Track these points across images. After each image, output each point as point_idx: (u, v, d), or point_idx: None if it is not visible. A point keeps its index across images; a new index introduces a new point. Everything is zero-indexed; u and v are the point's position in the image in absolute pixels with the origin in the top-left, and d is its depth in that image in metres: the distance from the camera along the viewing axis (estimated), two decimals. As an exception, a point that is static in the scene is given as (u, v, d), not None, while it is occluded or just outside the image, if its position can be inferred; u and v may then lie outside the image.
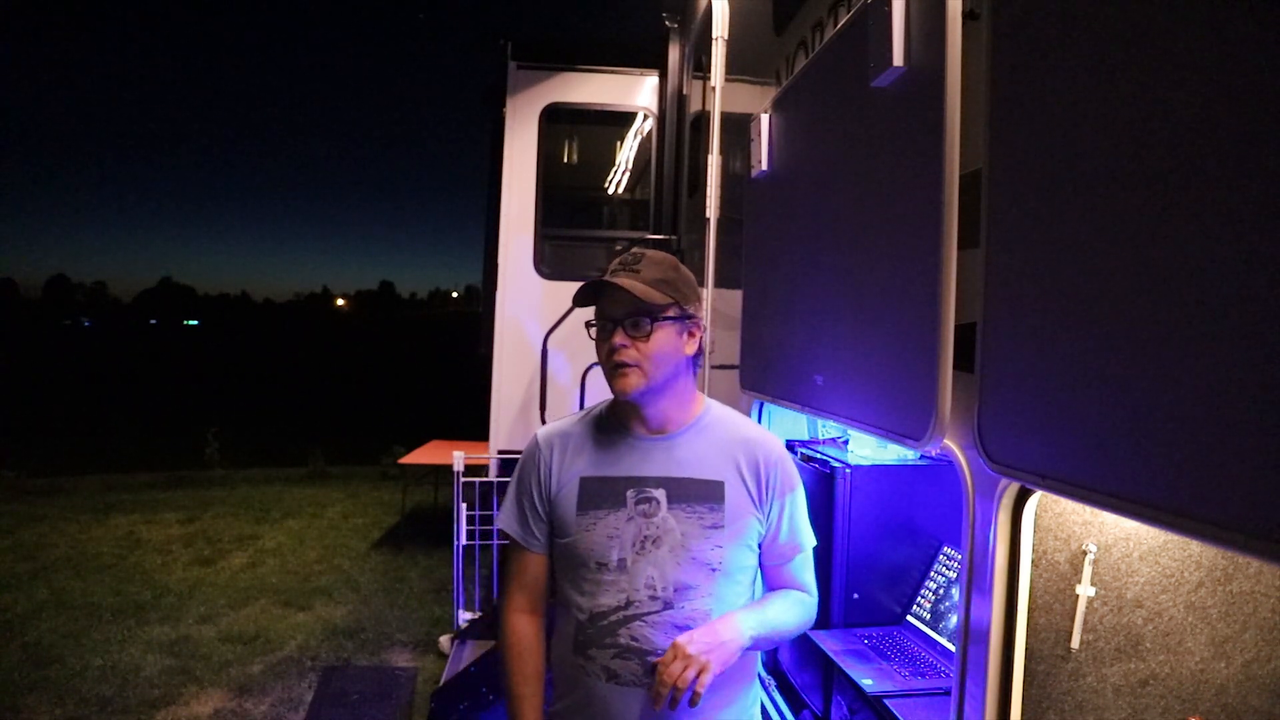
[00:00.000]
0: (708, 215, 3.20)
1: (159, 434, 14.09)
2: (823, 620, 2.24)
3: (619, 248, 5.15)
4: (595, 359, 1.55)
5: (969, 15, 1.48)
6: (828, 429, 2.80)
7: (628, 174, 5.81)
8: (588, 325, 1.53)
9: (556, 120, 5.01)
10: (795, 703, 2.50)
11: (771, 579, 1.61)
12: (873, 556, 2.32)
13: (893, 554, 2.33)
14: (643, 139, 5.11)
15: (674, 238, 4.40)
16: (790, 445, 2.75)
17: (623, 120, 5.18)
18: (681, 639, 1.37)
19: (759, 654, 1.76)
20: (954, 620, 2.08)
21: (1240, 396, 0.85)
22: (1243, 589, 1.49)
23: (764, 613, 1.49)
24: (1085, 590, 1.44)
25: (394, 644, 4.77)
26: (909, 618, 2.31)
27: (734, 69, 3.33)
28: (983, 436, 1.32)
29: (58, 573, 5.83)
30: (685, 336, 1.52)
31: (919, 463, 2.36)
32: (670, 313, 1.48)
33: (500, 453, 4.64)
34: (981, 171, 1.35)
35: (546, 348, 4.19)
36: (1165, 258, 0.96)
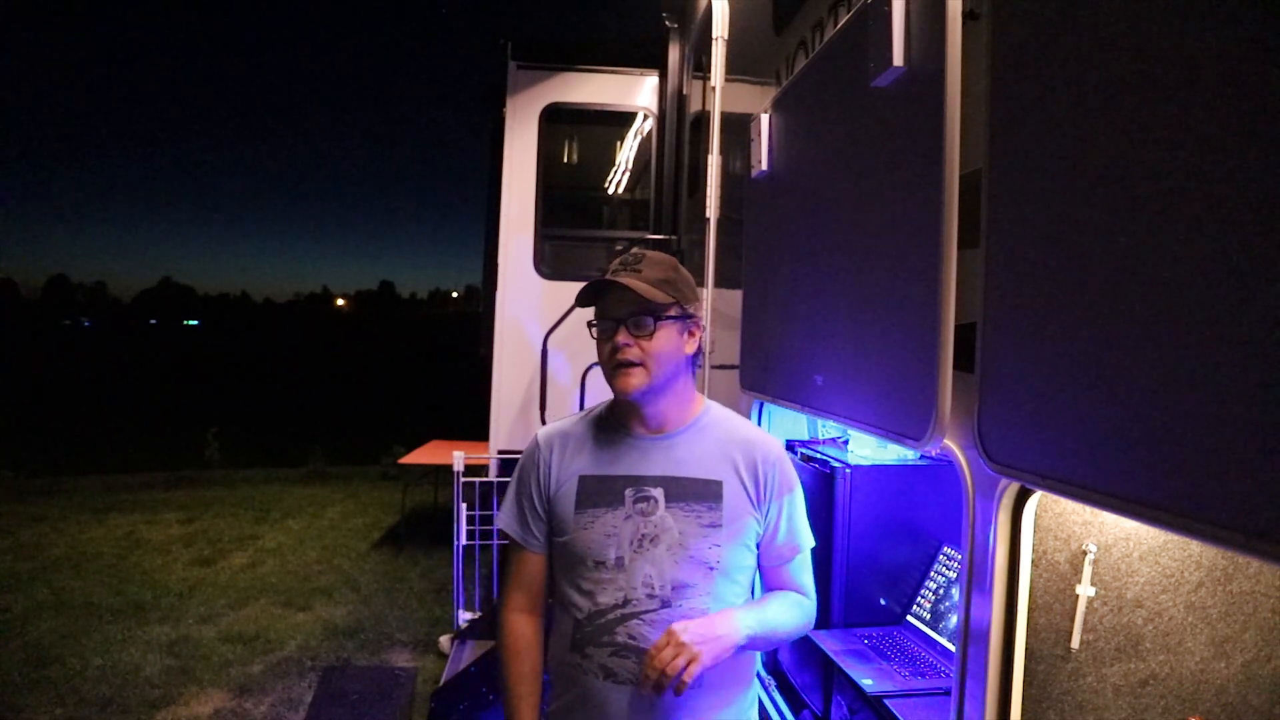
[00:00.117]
0: (708, 215, 3.20)
1: (159, 434, 14.10)
2: (823, 620, 2.24)
3: (619, 248, 5.15)
4: (595, 359, 1.55)
5: (969, 15, 1.48)
6: (828, 429, 2.80)
7: (628, 174, 5.81)
8: (590, 325, 1.53)
9: (556, 120, 5.01)
10: (795, 703, 2.50)
11: (770, 580, 1.61)
12: (873, 556, 2.32)
13: (893, 554, 2.33)
14: (643, 139, 5.11)
15: (674, 238, 4.40)
16: (790, 445, 2.75)
17: (623, 120, 5.18)
18: (676, 626, 1.37)
19: (757, 655, 1.76)
20: (954, 620, 2.08)
21: (1240, 396, 0.85)
22: (1243, 589, 1.49)
23: (763, 612, 1.49)
24: (1085, 590, 1.44)
25: (394, 644, 4.77)
26: (909, 618, 2.31)
27: (734, 69, 3.33)
28: (983, 436, 1.32)
29: (58, 573, 5.83)
30: (686, 336, 1.53)
31: (919, 463, 2.36)
32: (672, 312, 1.49)
33: (500, 453, 4.64)
34: (981, 171, 1.35)
35: (546, 348, 4.19)
36: (1165, 258, 0.96)
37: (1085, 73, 1.11)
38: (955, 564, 2.21)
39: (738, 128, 2.96)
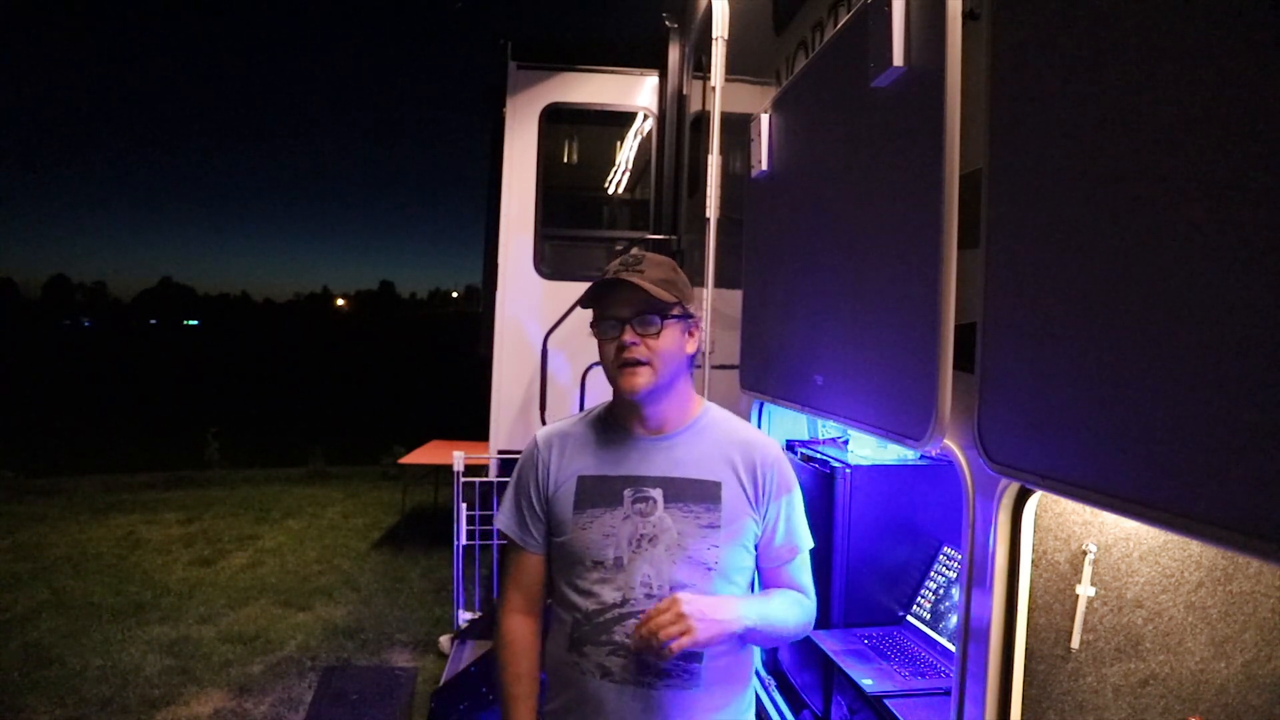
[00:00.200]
0: (708, 215, 3.20)
1: (159, 434, 14.10)
2: (823, 620, 2.24)
3: (619, 248, 5.15)
4: (595, 359, 1.55)
5: (969, 15, 1.48)
6: (828, 429, 2.80)
7: (628, 174, 5.81)
8: (593, 325, 1.53)
9: (556, 120, 5.02)
10: (795, 703, 2.50)
11: (769, 581, 1.61)
12: (873, 556, 2.32)
13: (892, 554, 2.33)
14: (643, 139, 5.11)
15: (674, 238, 4.40)
16: (790, 445, 2.75)
17: (623, 120, 5.18)
18: (682, 595, 1.36)
19: (755, 655, 1.76)
20: (954, 620, 2.08)
21: (1240, 396, 0.85)
22: (1243, 589, 1.49)
23: (765, 606, 1.49)
24: (1085, 590, 1.44)
25: (394, 644, 4.77)
26: (909, 618, 2.31)
27: (734, 69, 3.33)
28: (983, 436, 1.32)
29: (58, 573, 5.83)
30: (687, 336, 1.54)
31: (919, 463, 2.36)
32: (676, 311, 1.50)
33: (500, 453, 4.64)
34: (981, 171, 1.35)
35: (546, 348, 4.19)
36: (1165, 257, 0.96)
37: (1085, 73, 1.11)
38: (955, 564, 2.21)
39: (738, 128, 2.96)
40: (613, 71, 4.76)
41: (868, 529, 2.31)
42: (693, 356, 1.57)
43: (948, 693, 1.66)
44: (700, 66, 4.21)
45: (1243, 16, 0.87)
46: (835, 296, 2.02)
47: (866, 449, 2.47)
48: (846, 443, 2.62)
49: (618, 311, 1.48)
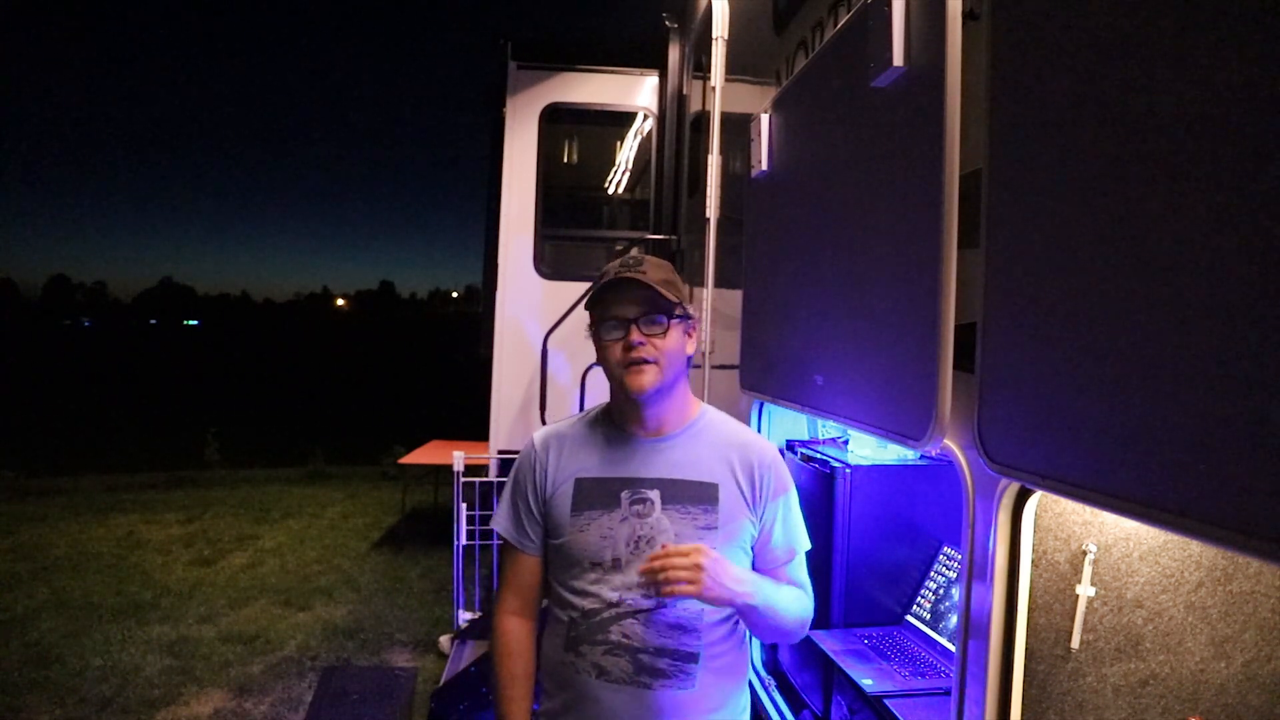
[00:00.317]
0: (708, 215, 3.20)
1: (159, 434, 14.10)
2: (823, 620, 2.24)
3: (619, 248, 5.15)
4: (595, 359, 1.56)
5: (969, 15, 1.48)
6: (828, 429, 2.80)
7: (628, 174, 5.81)
8: (592, 326, 1.53)
9: (556, 120, 5.01)
10: (795, 703, 2.50)
11: (767, 581, 1.61)
12: (872, 556, 2.32)
13: (892, 554, 2.33)
14: (643, 139, 5.10)
15: (674, 238, 4.40)
16: (790, 445, 2.75)
17: (623, 120, 5.18)
18: (707, 548, 1.35)
19: (751, 654, 1.76)
20: (954, 620, 2.08)
21: (1240, 396, 0.85)
22: (1243, 589, 1.49)
23: (776, 592, 1.48)
24: (1085, 590, 1.44)
25: (394, 644, 4.77)
26: (909, 618, 2.31)
27: (734, 69, 3.33)
28: (983, 436, 1.32)
29: (58, 573, 5.83)
30: (687, 336, 1.55)
31: (919, 463, 2.36)
32: (678, 311, 1.51)
33: (500, 453, 4.64)
34: (981, 171, 1.35)
35: (546, 348, 4.19)
36: (1165, 257, 0.96)
37: (1085, 72, 1.11)
38: (955, 564, 2.21)
39: (738, 128, 2.95)
40: (613, 71, 4.76)
41: (868, 529, 2.31)
42: (690, 358, 1.57)
43: (948, 693, 1.65)
44: (700, 66, 4.21)
45: (1243, 16, 0.87)
46: (835, 296, 2.02)
47: (866, 449, 2.46)
48: (846, 443, 2.62)
49: (623, 311, 1.48)
